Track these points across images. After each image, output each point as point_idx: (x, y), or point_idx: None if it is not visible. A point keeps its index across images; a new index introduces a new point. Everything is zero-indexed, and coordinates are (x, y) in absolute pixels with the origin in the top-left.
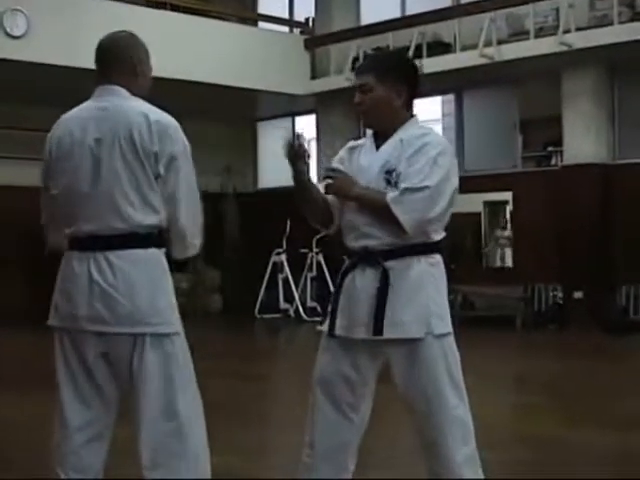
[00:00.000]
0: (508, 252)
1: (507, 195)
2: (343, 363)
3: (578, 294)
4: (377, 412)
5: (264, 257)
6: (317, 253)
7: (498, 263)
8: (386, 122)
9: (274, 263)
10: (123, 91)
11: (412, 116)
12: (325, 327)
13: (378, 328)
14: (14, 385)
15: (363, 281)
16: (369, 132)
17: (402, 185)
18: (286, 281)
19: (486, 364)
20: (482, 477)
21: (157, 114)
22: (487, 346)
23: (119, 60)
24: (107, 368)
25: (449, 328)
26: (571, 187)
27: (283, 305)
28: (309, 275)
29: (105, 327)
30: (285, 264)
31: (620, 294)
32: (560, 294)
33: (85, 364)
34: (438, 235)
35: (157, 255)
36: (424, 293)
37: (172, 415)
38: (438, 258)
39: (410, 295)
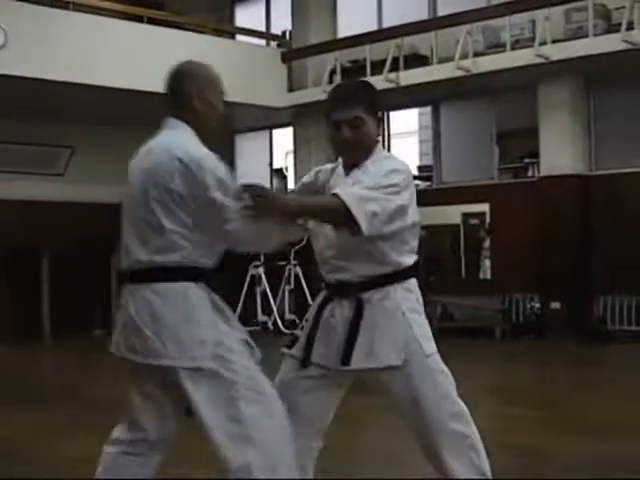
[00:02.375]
0: (486, 263)
1: (484, 207)
2: (301, 391)
3: (556, 304)
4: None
5: (242, 270)
6: (295, 265)
7: (476, 274)
8: (367, 155)
9: (252, 276)
10: (176, 124)
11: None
12: (293, 352)
13: (346, 359)
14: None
15: (341, 312)
16: (339, 162)
17: (356, 186)
18: (264, 294)
19: (465, 374)
20: None
21: (180, 149)
22: (466, 356)
23: (173, 92)
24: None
25: (434, 348)
26: (548, 198)
27: (261, 318)
28: (287, 287)
29: (137, 357)
30: (263, 277)
31: (598, 304)
32: (538, 304)
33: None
34: (410, 259)
35: (187, 288)
36: (403, 319)
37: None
38: (412, 282)
39: (387, 323)
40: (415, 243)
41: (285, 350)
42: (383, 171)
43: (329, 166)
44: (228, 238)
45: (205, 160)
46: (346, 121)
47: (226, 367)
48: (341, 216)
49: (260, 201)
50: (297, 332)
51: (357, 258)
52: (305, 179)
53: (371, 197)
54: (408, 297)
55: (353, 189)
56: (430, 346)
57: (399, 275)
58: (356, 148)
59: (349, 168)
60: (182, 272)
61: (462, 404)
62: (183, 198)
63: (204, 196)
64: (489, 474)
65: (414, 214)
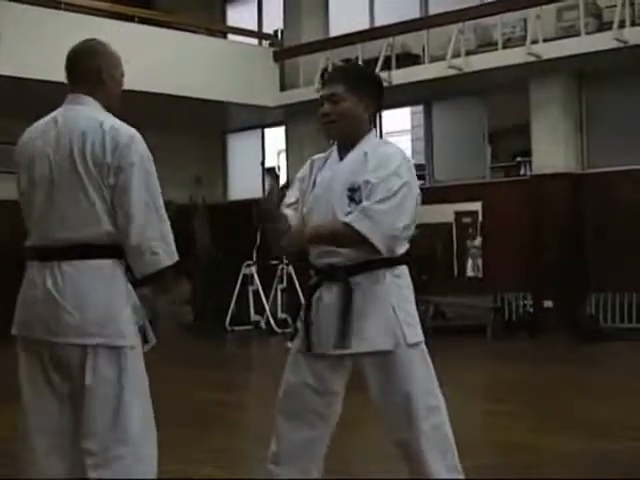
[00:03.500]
0: (479, 262)
1: (477, 205)
2: (309, 375)
3: (548, 303)
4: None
5: (234, 269)
6: (287, 264)
7: (469, 273)
8: (351, 134)
9: (244, 275)
10: (87, 99)
11: (370, 130)
12: (296, 344)
13: (343, 343)
14: None
15: (330, 297)
16: (334, 147)
17: (365, 203)
18: (256, 293)
19: (458, 372)
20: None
21: (113, 123)
22: (458, 355)
23: (82, 68)
24: (61, 376)
25: (421, 337)
26: (541, 197)
27: (254, 317)
28: (279, 287)
29: (53, 337)
30: (255, 276)
31: (590, 302)
32: (530, 303)
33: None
34: (401, 248)
35: (112, 266)
36: (391, 305)
37: (121, 431)
38: (403, 269)
39: (377, 308)
40: (410, 232)
41: (289, 344)
42: (387, 170)
43: (322, 155)
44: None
45: (136, 136)
46: (326, 96)
47: (138, 349)
48: (360, 243)
49: (275, 229)
50: (298, 324)
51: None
52: (299, 174)
53: (384, 220)
54: (398, 283)
55: (368, 214)
56: (414, 335)
57: (390, 261)
58: (334, 123)
59: (343, 151)
60: (104, 249)
61: (441, 399)
62: (109, 172)
63: (127, 171)
64: (461, 472)
65: (418, 200)
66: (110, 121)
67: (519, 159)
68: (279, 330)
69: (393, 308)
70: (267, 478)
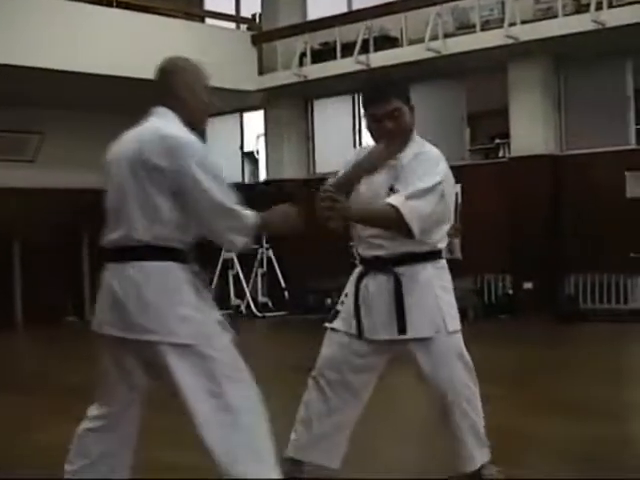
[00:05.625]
0: (458, 244)
1: (456, 187)
2: (352, 354)
3: (528, 284)
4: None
5: (215, 254)
6: (267, 249)
7: (448, 255)
8: (406, 141)
9: (224, 259)
10: (163, 111)
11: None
12: (336, 325)
13: (402, 327)
14: None
15: (376, 287)
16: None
17: (404, 192)
18: (237, 277)
19: None
20: (489, 457)
21: (168, 130)
22: None
23: (160, 84)
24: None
25: (459, 325)
26: (519, 178)
27: (234, 301)
28: (260, 271)
29: (120, 332)
30: (235, 260)
31: (569, 283)
32: (510, 285)
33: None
34: (443, 243)
35: (171, 268)
36: (433, 295)
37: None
38: (443, 263)
39: (420, 298)
40: (447, 225)
41: (328, 324)
42: (423, 166)
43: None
44: (225, 243)
45: (190, 141)
46: (386, 114)
47: (208, 344)
48: (397, 224)
49: (325, 205)
50: (339, 307)
51: (395, 238)
52: (348, 158)
53: (422, 205)
54: (439, 275)
55: (408, 197)
56: (454, 324)
57: (432, 255)
58: (395, 137)
59: None
60: (165, 251)
61: (473, 387)
62: (166, 176)
63: (186, 175)
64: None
65: (450, 197)
66: (170, 129)
67: (498, 141)
68: (259, 314)
69: (436, 298)
70: (301, 438)
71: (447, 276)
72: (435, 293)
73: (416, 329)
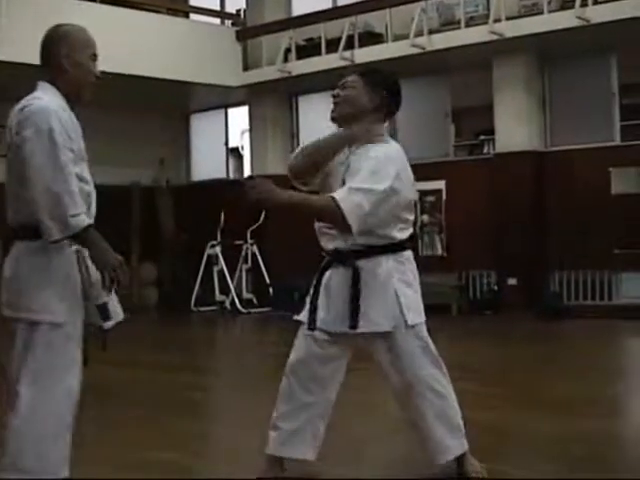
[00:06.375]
0: (442, 241)
1: (440, 184)
2: (315, 346)
3: (512, 281)
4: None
5: (199, 250)
6: (252, 244)
7: (433, 252)
8: (349, 122)
9: (209, 255)
10: (43, 85)
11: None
12: (301, 317)
13: (353, 323)
14: None
15: (337, 279)
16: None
17: (345, 186)
18: (221, 273)
19: None
20: (466, 446)
21: (27, 103)
22: None
23: (43, 56)
24: None
25: (420, 318)
26: (504, 175)
27: (219, 297)
28: (244, 267)
29: (8, 312)
30: (220, 256)
31: (554, 280)
32: (495, 281)
33: None
34: (403, 234)
35: (42, 245)
36: (391, 289)
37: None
38: (407, 255)
39: (379, 292)
40: (409, 217)
41: (295, 317)
42: (378, 166)
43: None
44: (42, 229)
45: (38, 111)
46: (341, 84)
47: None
48: (333, 217)
49: (253, 184)
50: (307, 299)
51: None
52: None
53: (362, 202)
54: (400, 269)
55: (349, 192)
56: (414, 317)
57: (392, 247)
58: (337, 105)
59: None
60: (37, 230)
61: (445, 383)
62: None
63: (21, 148)
64: (464, 432)
65: (406, 193)
66: (31, 102)
67: (482, 137)
68: (244, 310)
69: (395, 291)
70: (275, 435)
71: (410, 268)
72: (394, 287)
73: (372, 323)
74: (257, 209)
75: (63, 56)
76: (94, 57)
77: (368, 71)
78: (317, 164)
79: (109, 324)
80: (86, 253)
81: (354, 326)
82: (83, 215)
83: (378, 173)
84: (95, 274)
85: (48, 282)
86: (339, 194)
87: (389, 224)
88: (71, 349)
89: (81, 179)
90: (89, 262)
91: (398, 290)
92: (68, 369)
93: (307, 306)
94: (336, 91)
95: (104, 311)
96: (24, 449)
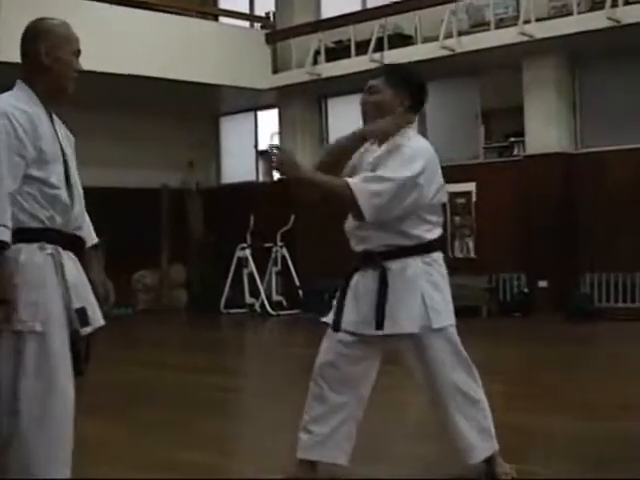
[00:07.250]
0: (472, 243)
1: (471, 186)
2: (344, 348)
3: (542, 283)
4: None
5: (229, 252)
6: (281, 247)
7: (463, 254)
8: (389, 130)
9: (239, 258)
10: (19, 85)
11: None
12: (327, 319)
13: (379, 324)
14: None
15: (365, 281)
16: None
17: (364, 175)
18: (251, 276)
19: None
20: (496, 447)
21: None
22: None
23: (22, 52)
24: None
25: (448, 320)
26: (534, 177)
27: (249, 300)
28: (274, 269)
29: None
30: (250, 259)
31: (584, 282)
32: (525, 283)
33: None
34: (431, 234)
35: (16, 251)
36: (419, 291)
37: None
38: (435, 256)
39: (405, 294)
40: (436, 219)
41: (322, 319)
42: (401, 160)
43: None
44: None
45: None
46: (368, 88)
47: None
48: (346, 201)
49: (279, 156)
50: (334, 301)
51: (377, 229)
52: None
53: (376, 190)
54: (428, 270)
55: (365, 180)
56: (440, 320)
57: (420, 248)
58: (368, 113)
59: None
60: (16, 232)
61: (470, 381)
62: None
63: None
64: (493, 435)
65: (433, 193)
66: None
67: (512, 139)
68: (274, 312)
69: (422, 294)
70: (307, 439)
71: (438, 270)
72: (421, 289)
73: (397, 325)
74: (281, 175)
75: (43, 53)
76: (77, 53)
77: (389, 70)
78: (340, 162)
79: (87, 330)
80: (63, 257)
81: (379, 328)
82: (2, 228)
83: (403, 164)
84: (73, 278)
85: (29, 287)
86: (354, 179)
87: (415, 223)
88: (57, 354)
89: (44, 183)
90: (65, 266)
91: (425, 292)
92: (59, 373)
93: (333, 308)
94: (363, 98)
95: (82, 316)
96: (32, 455)
